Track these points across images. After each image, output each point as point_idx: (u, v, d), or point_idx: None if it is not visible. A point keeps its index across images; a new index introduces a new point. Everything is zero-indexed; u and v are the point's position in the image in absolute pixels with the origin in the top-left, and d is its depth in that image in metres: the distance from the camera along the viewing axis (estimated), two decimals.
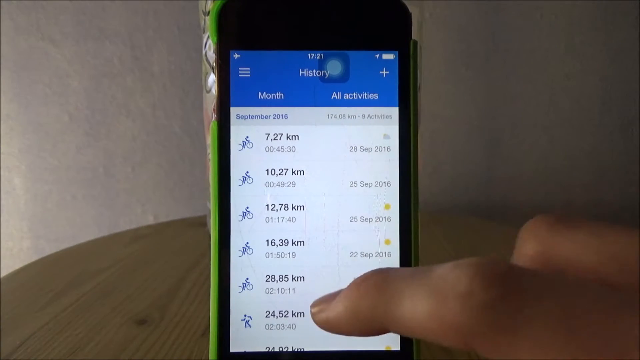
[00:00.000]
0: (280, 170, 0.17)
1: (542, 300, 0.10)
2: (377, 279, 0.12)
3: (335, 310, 0.13)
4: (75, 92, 0.64)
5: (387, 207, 0.17)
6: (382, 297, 0.12)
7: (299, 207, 0.17)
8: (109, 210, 0.66)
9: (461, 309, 0.10)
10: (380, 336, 0.13)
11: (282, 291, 0.17)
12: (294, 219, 0.17)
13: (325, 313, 0.13)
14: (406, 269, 0.12)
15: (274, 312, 0.17)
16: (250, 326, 0.17)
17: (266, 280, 0.17)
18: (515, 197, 0.66)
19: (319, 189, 0.17)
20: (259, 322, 0.17)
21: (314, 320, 0.14)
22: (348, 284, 0.13)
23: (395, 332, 0.12)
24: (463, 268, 0.11)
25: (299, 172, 0.17)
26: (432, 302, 0.11)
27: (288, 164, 0.17)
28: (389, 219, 0.17)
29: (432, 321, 0.11)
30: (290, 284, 0.17)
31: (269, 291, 0.17)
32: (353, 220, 0.17)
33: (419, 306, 0.11)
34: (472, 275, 0.10)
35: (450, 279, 0.11)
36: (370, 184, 0.17)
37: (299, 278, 0.17)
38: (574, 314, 0.09)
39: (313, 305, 0.14)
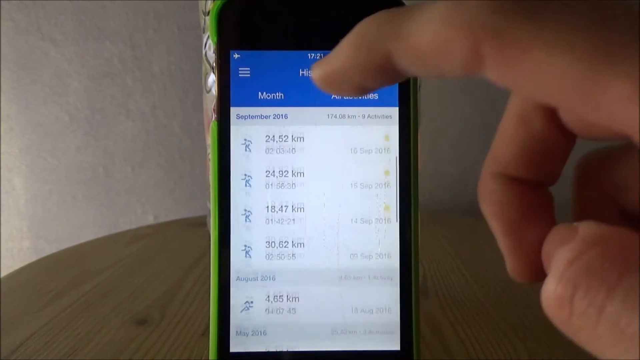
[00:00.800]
0: (280, 172, 0.17)
1: (576, 3, 0.08)
2: (386, 11, 0.11)
3: (337, 51, 0.11)
4: (75, 92, 0.64)
5: (387, 208, 0.17)
6: (393, 19, 0.10)
7: (299, 209, 0.17)
8: (109, 210, 0.66)
9: (479, 4, 0.09)
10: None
11: (282, 257, 0.17)
12: (293, 220, 0.17)
13: (326, 61, 0.11)
14: None
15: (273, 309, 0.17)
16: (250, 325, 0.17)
17: (266, 247, 0.17)
18: None
19: (319, 190, 0.17)
20: (259, 321, 0.17)
21: (314, 78, 0.12)
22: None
23: (400, 59, 0.10)
24: None
25: (299, 174, 0.17)
26: (449, 8, 0.09)
27: (288, 164, 0.17)
28: (388, 220, 0.17)
29: (444, 27, 0.09)
30: (290, 249, 0.17)
31: (268, 257, 0.17)
32: (353, 221, 0.17)
33: (433, 16, 0.09)
34: None
35: None
36: (371, 186, 0.17)
37: (298, 244, 0.17)
38: (614, 16, 0.08)
39: (312, 66, 0.12)
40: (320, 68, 0.11)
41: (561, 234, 0.10)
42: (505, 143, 0.12)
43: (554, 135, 0.11)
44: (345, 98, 0.17)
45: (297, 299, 0.17)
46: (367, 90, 0.11)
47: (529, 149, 0.12)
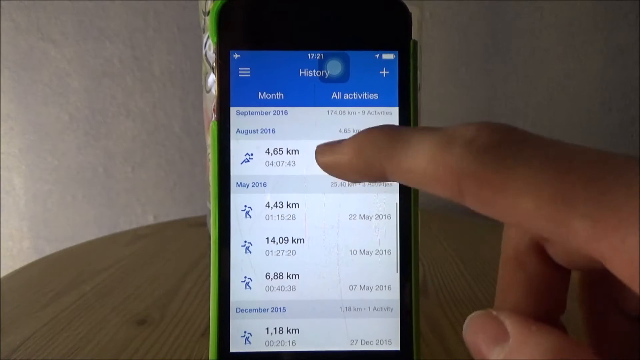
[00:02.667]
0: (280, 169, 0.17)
1: (539, 148, 0.10)
2: (388, 127, 0.13)
3: (341, 151, 0.13)
4: (75, 92, 0.64)
5: (386, 208, 0.17)
6: (390, 141, 0.12)
7: (296, 205, 0.17)
8: (109, 210, 0.66)
9: (464, 151, 0.10)
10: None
11: (282, 289, 0.17)
12: (293, 216, 0.17)
13: (331, 154, 0.14)
14: (418, 127, 0.13)
15: (274, 309, 0.17)
16: (250, 325, 0.17)
17: (266, 279, 0.17)
18: None
19: (319, 189, 0.17)
20: (259, 320, 0.17)
21: (318, 162, 0.14)
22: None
23: (392, 176, 0.12)
24: (474, 123, 0.11)
25: (294, 152, 0.17)
26: (438, 146, 0.11)
27: (289, 169, 0.17)
28: (388, 217, 0.17)
29: (432, 165, 0.11)
30: (289, 281, 0.17)
31: (268, 289, 0.17)
32: (352, 217, 0.17)
33: (423, 151, 0.11)
34: (480, 125, 0.11)
35: (460, 129, 0.11)
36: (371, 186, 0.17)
37: (296, 276, 0.17)
38: (567, 157, 0.10)
39: (318, 147, 0.14)
40: (325, 157, 0.14)
41: (490, 329, 0.12)
42: (509, 288, 0.13)
43: (549, 271, 0.13)
44: (345, 98, 0.17)
45: (296, 297, 0.17)
46: (356, 182, 0.14)
47: (531, 288, 0.13)
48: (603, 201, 0.09)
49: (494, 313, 0.12)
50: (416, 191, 0.17)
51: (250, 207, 0.17)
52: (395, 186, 0.17)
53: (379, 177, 0.12)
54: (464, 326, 0.12)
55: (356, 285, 0.17)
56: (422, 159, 0.11)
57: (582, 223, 0.09)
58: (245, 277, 0.17)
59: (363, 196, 0.17)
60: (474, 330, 0.12)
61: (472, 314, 0.12)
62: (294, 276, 0.17)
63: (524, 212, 0.10)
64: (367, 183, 0.17)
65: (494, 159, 0.10)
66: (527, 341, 0.11)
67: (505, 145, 0.10)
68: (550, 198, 0.09)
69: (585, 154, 0.10)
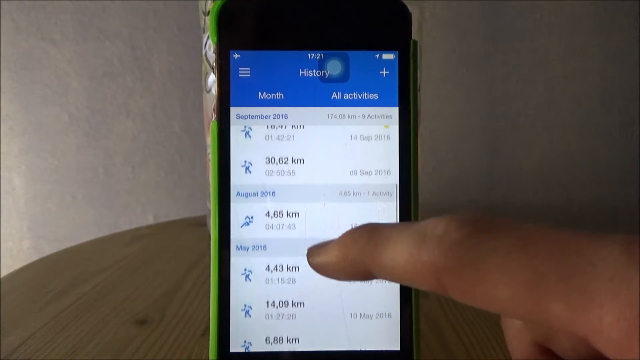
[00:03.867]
0: (281, 165, 0.17)
1: (505, 235, 0.11)
2: (369, 227, 0.13)
3: (328, 253, 0.14)
4: (75, 92, 0.64)
5: (386, 207, 0.17)
6: (371, 243, 0.13)
7: (296, 215, 0.17)
8: (109, 210, 0.66)
9: (436, 248, 0.11)
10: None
11: (282, 281, 0.17)
12: (295, 216, 0.17)
13: (320, 256, 0.15)
14: (396, 223, 0.14)
15: (274, 303, 0.17)
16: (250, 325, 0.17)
17: (266, 216, 0.17)
18: (515, 197, 0.66)
19: (320, 181, 0.17)
20: (260, 319, 0.17)
21: (309, 263, 0.15)
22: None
23: (378, 275, 0.13)
24: (443, 217, 0.12)
25: (299, 161, 0.17)
26: (413, 245, 0.12)
27: (289, 162, 0.17)
28: (389, 219, 0.17)
29: (411, 262, 0.12)
30: (289, 273, 0.17)
31: (268, 281, 0.17)
32: (354, 226, 0.17)
33: (401, 250, 0.12)
34: (449, 221, 0.12)
35: (431, 225, 0.12)
36: (371, 181, 0.17)
37: (295, 268, 0.17)
38: (532, 241, 0.10)
39: (309, 250, 0.15)
40: (315, 259, 0.15)
41: None
42: None
43: None
44: (345, 98, 0.17)
45: (302, 305, 0.17)
46: (346, 280, 0.15)
47: None
48: (572, 282, 0.09)
49: None
50: (416, 189, 0.17)
51: (250, 217, 0.17)
52: (394, 187, 0.17)
53: (366, 276, 0.13)
54: None
55: (356, 283, 0.17)
56: (401, 257, 0.12)
57: (557, 305, 0.09)
58: (246, 269, 0.17)
59: (363, 199, 0.17)
60: None
61: None
62: (295, 251, 0.17)
63: (501, 300, 0.10)
64: (366, 195, 0.17)
65: (465, 253, 0.11)
66: None
67: (473, 237, 0.11)
68: (523, 285, 0.10)
69: (548, 235, 0.10)
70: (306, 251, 0.15)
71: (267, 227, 0.17)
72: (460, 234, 0.11)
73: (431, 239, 0.11)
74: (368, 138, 0.17)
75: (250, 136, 0.17)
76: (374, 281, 0.17)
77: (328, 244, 0.14)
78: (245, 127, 0.17)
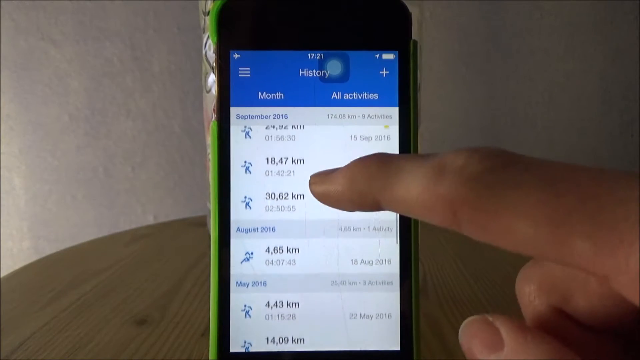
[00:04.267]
0: (280, 166, 0.17)
1: (532, 170, 0.10)
2: (380, 156, 0.13)
3: (334, 181, 0.13)
4: (75, 92, 0.64)
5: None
6: (382, 172, 0.12)
7: (299, 197, 0.17)
8: (109, 210, 0.66)
9: (454, 180, 0.11)
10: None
11: (280, 263, 0.17)
12: (294, 212, 0.17)
13: (324, 184, 0.14)
14: (409, 154, 0.13)
15: (275, 304, 0.17)
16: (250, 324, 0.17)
17: (266, 252, 0.17)
18: None
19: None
20: (259, 318, 0.17)
21: (312, 191, 0.14)
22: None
23: (386, 206, 0.12)
24: (464, 150, 0.11)
25: (299, 162, 0.17)
26: (429, 176, 0.11)
27: (289, 153, 0.17)
28: (389, 229, 0.17)
29: (426, 194, 0.11)
30: (289, 269, 0.17)
31: (268, 263, 0.17)
32: (355, 229, 0.17)
33: (416, 181, 0.11)
34: (470, 153, 0.11)
35: (450, 157, 0.11)
36: None
37: (294, 261, 0.17)
38: (561, 179, 0.10)
39: (312, 177, 0.14)
40: (318, 186, 0.14)
41: (485, 335, 0.12)
42: None
43: (581, 335, 0.13)
44: (345, 98, 0.17)
45: (297, 305, 0.17)
46: (351, 211, 0.14)
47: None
48: (600, 220, 0.09)
49: (490, 319, 0.12)
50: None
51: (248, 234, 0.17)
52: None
53: (373, 207, 0.13)
54: (460, 330, 0.12)
55: (356, 283, 0.17)
56: (414, 189, 0.11)
57: (582, 243, 0.09)
58: (248, 248, 0.17)
59: None
60: (470, 335, 0.12)
61: (468, 319, 0.12)
62: (291, 251, 0.17)
63: (521, 236, 0.10)
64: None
65: (486, 185, 0.10)
66: (522, 350, 0.11)
67: (496, 170, 0.10)
68: (547, 219, 0.09)
69: (577, 173, 0.10)
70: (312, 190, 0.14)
71: (268, 263, 0.17)
72: (482, 166, 0.10)
73: (450, 170, 0.11)
74: (368, 138, 0.17)
75: (250, 136, 0.17)
76: (375, 281, 0.17)
77: (334, 172, 0.14)
78: (245, 127, 0.17)
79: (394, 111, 0.17)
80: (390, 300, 0.17)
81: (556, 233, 0.09)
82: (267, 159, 0.17)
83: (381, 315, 0.17)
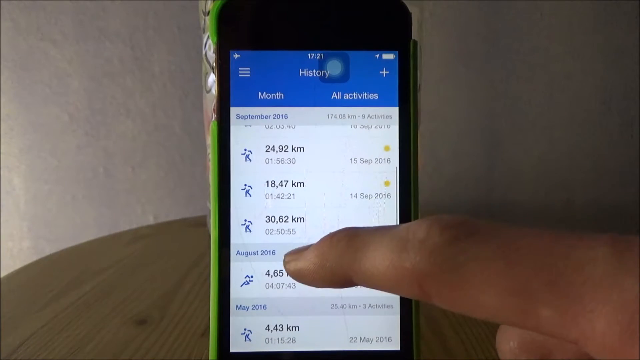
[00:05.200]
0: (281, 179, 0.17)
1: (487, 240, 0.10)
2: (347, 232, 0.13)
3: (306, 259, 0.14)
4: (75, 92, 0.64)
5: (386, 207, 0.17)
6: (350, 248, 0.12)
7: (299, 219, 0.17)
8: (109, 210, 0.66)
9: (417, 254, 0.11)
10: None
11: (280, 286, 0.17)
12: (293, 229, 0.17)
13: (296, 262, 0.14)
14: (377, 227, 0.13)
15: (275, 327, 0.17)
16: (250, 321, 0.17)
17: (266, 275, 0.17)
18: (515, 196, 0.66)
19: (319, 200, 0.17)
20: (260, 318, 0.17)
21: (286, 270, 0.14)
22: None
23: (359, 283, 0.12)
24: (425, 220, 0.11)
25: (299, 184, 0.17)
26: (393, 250, 0.11)
27: (288, 175, 0.17)
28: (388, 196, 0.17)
29: (391, 269, 0.11)
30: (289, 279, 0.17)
31: (268, 286, 0.17)
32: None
33: (381, 256, 0.11)
34: (430, 224, 0.11)
35: (412, 229, 0.11)
36: (370, 180, 0.17)
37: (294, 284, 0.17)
38: (515, 247, 0.10)
39: (285, 256, 0.15)
40: (292, 265, 0.14)
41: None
42: None
43: None
44: (345, 98, 0.17)
45: (297, 328, 0.17)
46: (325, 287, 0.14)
47: None
48: (559, 288, 0.09)
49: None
50: (416, 189, 0.17)
51: (250, 221, 0.17)
52: (394, 186, 0.17)
53: (346, 283, 0.13)
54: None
55: (357, 306, 0.17)
56: (381, 264, 0.11)
57: (547, 311, 0.09)
58: (247, 249, 0.17)
59: (363, 202, 0.17)
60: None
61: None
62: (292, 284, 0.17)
63: (488, 307, 0.10)
64: (366, 198, 0.17)
65: (447, 258, 0.10)
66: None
67: (457, 242, 0.10)
68: (508, 290, 0.09)
69: (534, 238, 0.10)
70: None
71: (268, 231, 0.17)
72: (442, 239, 0.11)
73: (412, 244, 0.11)
74: (368, 138, 0.17)
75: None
76: (375, 305, 0.17)
77: (305, 249, 0.14)
78: (245, 127, 0.17)
79: (394, 111, 0.17)
80: (391, 323, 0.17)
81: (519, 303, 0.09)
82: (267, 159, 0.17)
83: (381, 339, 0.17)
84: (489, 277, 0.10)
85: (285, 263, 0.15)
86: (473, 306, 0.10)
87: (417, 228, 0.11)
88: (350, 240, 0.13)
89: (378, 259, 0.11)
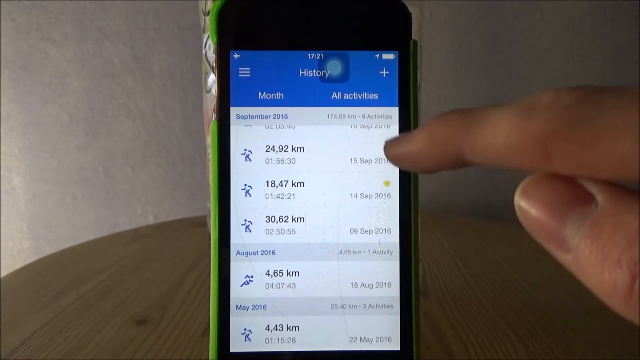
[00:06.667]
0: (281, 179, 0.17)
1: (624, 91, 0.09)
2: (459, 111, 0.12)
3: (412, 140, 0.13)
4: (75, 92, 0.64)
5: (386, 206, 0.17)
6: (464, 122, 0.12)
7: (299, 219, 0.17)
8: (109, 210, 0.66)
9: (546, 114, 0.10)
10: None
11: (280, 286, 0.17)
12: (293, 230, 0.17)
13: (401, 145, 0.13)
14: (488, 104, 0.12)
15: (275, 327, 0.17)
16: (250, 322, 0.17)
17: (266, 275, 0.17)
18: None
19: (319, 200, 0.17)
20: (260, 318, 0.17)
21: (388, 155, 0.14)
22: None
23: (471, 156, 0.12)
24: (549, 88, 0.10)
25: (299, 184, 0.17)
26: (516, 116, 0.10)
27: (288, 174, 0.17)
28: (388, 231, 0.17)
29: (514, 133, 0.10)
30: (289, 278, 0.17)
31: (268, 286, 0.17)
32: (353, 232, 0.17)
33: (504, 122, 0.11)
34: (557, 89, 0.10)
35: (537, 97, 0.10)
36: (371, 179, 0.17)
37: (296, 273, 0.17)
38: None
39: (387, 143, 0.14)
40: (394, 148, 0.13)
41: (562, 190, 0.10)
42: None
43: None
44: (345, 98, 0.17)
45: (297, 328, 0.17)
46: (428, 172, 0.13)
47: None
48: None
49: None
50: (416, 189, 0.17)
51: (250, 221, 0.17)
52: (394, 186, 0.17)
53: (456, 159, 0.12)
54: (518, 191, 0.11)
55: (357, 283, 0.17)
56: (502, 132, 0.11)
57: None
58: (247, 276, 0.17)
59: (363, 202, 0.17)
60: (536, 194, 0.11)
61: (529, 177, 0.11)
62: (294, 273, 0.17)
63: (621, 159, 0.09)
64: (366, 199, 0.17)
65: (579, 113, 0.10)
66: (623, 207, 0.09)
67: (586, 99, 0.10)
68: None
69: None
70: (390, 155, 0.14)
71: (267, 231, 0.17)
72: (572, 98, 0.10)
73: (539, 108, 0.10)
74: (368, 138, 0.17)
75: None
76: (375, 305, 0.17)
77: (410, 133, 0.13)
78: (245, 127, 0.17)
79: (394, 111, 0.17)
80: (391, 323, 0.17)
81: None
82: (267, 159, 0.17)
83: (381, 339, 0.17)
84: (626, 125, 0.09)
85: (387, 149, 0.14)
86: (602, 161, 0.09)
87: (542, 95, 0.10)
88: (463, 116, 0.12)
89: (499, 127, 0.11)
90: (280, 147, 0.17)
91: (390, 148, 0.14)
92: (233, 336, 0.16)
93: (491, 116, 0.11)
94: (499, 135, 0.11)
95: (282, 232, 0.17)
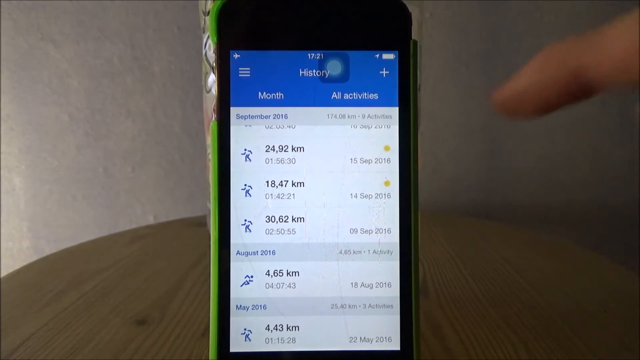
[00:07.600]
0: (281, 179, 0.17)
1: None
2: (566, 39, 0.11)
3: (523, 72, 0.12)
4: (75, 92, 0.64)
5: (386, 206, 0.17)
6: (578, 40, 0.11)
7: (299, 219, 0.17)
8: (109, 210, 0.66)
9: None
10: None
11: (280, 286, 0.17)
12: (293, 229, 0.17)
13: (510, 85, 0.12)
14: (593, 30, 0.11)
15: (275, 327, 0.17)
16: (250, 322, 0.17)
17: (266, 275, 0.17)
18: (515, 197, 0.66)
19: (319, 200, 0.17)
20: (260, 318, 0.17)
21: (496, 106, 0.13)
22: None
23: (589, 70, 0.11)
24: None
25: (299, 184, 0.17)
26: (634, 31, 0.10)
27: (288, 174, 0.17)
28: (388, 231, 0.17)
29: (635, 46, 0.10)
30: (289, 278, 0.17)
31: (268, 286, 0.17)
32: (353, 232, 0.17)
33: (624, 32, 0.10)
34: None
35: None
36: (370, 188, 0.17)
37: (296, 273, 0.17)
38: None
39: (495, 94, 0.13)
40: (503, 92, 0.12)
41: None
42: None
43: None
44: (345, 98, 0.17)
45: (297, 328, 0.17)
46: (543, 111, 0.12)
47: None
48: None
49: None
50: (416, 189, 0.17)
51: (250, 221, 0.17)
52: (395, 186, 0.17)
53: (570, 81, 0.11)
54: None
55: (357, 283, 0.17)
56: (624, 41, 0.10)
57: None
58: (247, 249, 0.17)
59: (362, 202, 0.17)
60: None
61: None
62: (294, 273, 0.17)
63: None
64: (366, 198, 0.17)
65: None
66: None
67: None
68: None
69: None
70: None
71: (267, 231, 0.17)
72: None
73: None
74: (368, 138, 0.17)
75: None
76: (375, 305, 0.17)
77: (514, 76, 0.12)
78: (245, 127, 0.17)
79: (394, 111, 0.17)
80: (391, 323, 0.17)
81: None
82: (267, 159, 0.17)
83: (381, 339, 0.17)
84: None
85: (493, 100, 0.13)
86: None
87: None
88: (572, 40, 0.11)
89: (617, 38, 0.10)
90: (280, 147, 0.17)
91: (499, 93, 0.13)
92: (233, 336, 0.16)
93: (613, 25, 0.10)
94: (626, 41, 0.10)
95: (282, 232, 0.17)
